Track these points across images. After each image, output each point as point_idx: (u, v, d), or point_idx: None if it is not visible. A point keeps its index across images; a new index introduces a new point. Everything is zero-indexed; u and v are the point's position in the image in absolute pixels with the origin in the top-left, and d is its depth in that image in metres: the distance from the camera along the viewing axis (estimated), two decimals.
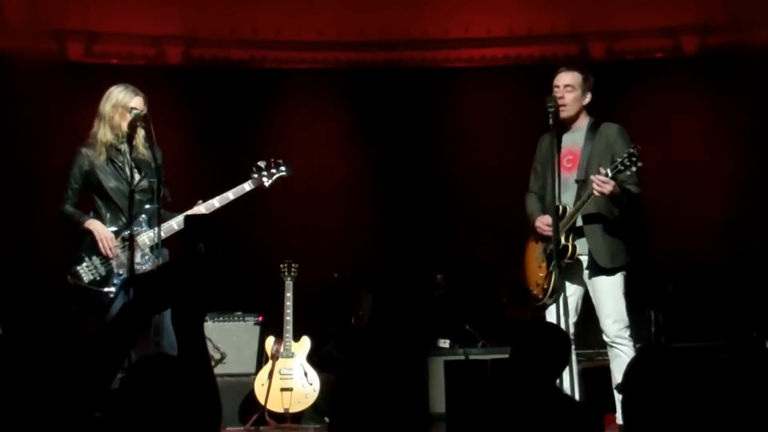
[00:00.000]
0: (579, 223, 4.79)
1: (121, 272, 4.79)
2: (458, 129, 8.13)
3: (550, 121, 4.72)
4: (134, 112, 4.82)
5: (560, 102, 4.81)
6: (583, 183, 4.79)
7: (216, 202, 4.98)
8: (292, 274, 6.19)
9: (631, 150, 4.53)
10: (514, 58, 8.48)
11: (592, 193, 4.61)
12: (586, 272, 4.82)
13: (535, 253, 4.99)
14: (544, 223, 4.85)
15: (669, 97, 7.96)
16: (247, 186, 5.08)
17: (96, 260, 4.78)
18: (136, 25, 7.99)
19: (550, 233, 4.77)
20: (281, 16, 8.25)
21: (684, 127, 7.84)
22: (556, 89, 4.84)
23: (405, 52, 8.46)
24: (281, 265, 6.21)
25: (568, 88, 4.83)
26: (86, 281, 4.76)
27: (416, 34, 8.41)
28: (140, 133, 4.87)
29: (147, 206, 4.80)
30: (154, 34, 8.10)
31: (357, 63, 8.40)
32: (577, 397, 4.32)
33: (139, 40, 8.07)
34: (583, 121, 4.90)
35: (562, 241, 4.73)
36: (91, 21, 7.89)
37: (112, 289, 4.76)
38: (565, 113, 4.82)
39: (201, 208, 4.97)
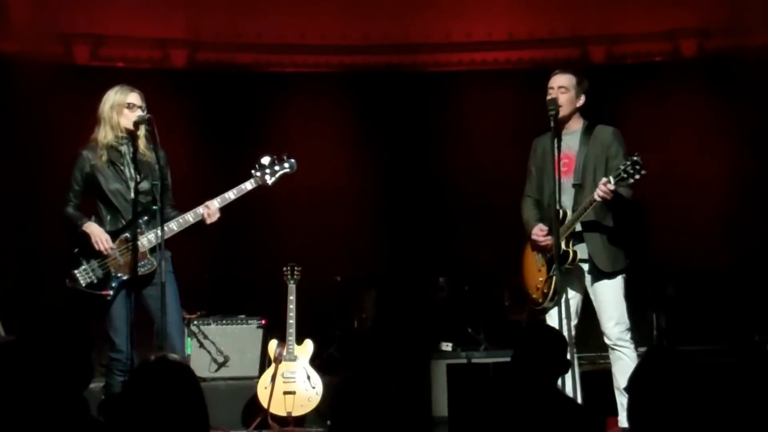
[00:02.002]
0: (578, 228, 4.81)
1: (119, 275, 4.78)
2: (460, 132, 8.15)
3: (552, 124, 4.73)
4: (138, 115, 4.83)
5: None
6: (579, 187, 4.81)
7: (216, 203, 4.95)
8: (295, 277, 6.20)
9: (635, 158, 4.53)
10: (514, 61, 8.51)
11: (595, 200, 4.63)
12: (587, 277, 4.85)
13: (533, 257, 5.00)
14: (539, 235, 4.88)
15: (668, 101, 7.99)
16: (249, 185, 5.01)
17: (94, 263, 4.77)
18: (142, 29, 8.03)
19: (546, 243, 4.82)
20: (285, 20, 8.28)
21: (684, 130, 7.86)
22: (550, 90, 4.87)
23: (407, 55, 8.50)
24: (284, 269, 6.22)
25: (562, 89, 4.86)
26: (83, 284, 4.75)
27: (418, 38, 8.45)
28: (142, 134, 4.88)
29: (154, 207, 4.74)
30: (159, 38, 8.14)
31: (360, 66, 8.44)
32: (578, 400, 4.34)
33: (144, 44, 8.10)
34: (578, 124, 4.93)
35: (563, 246, 4.75)
36: (97, 24, 7.92)
37: (110, 292, 4.74)
38: (558, 114, 4.84)
39: (199, 210, 4.94)
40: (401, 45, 8.42)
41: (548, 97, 4.83)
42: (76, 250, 4.80)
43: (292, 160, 5.14)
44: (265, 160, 5.06)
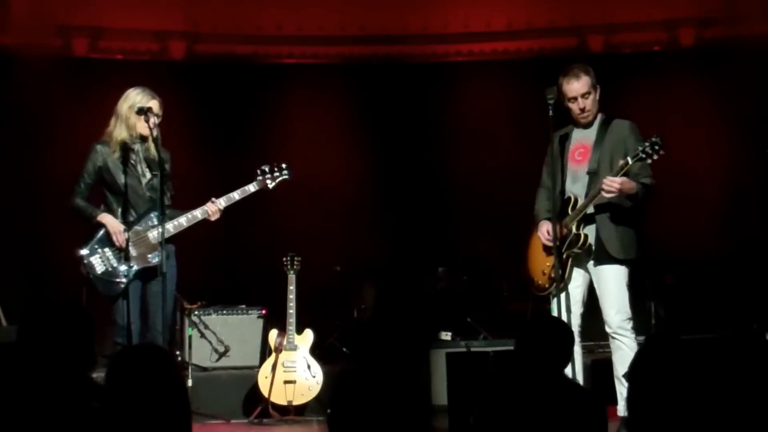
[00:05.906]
0: (590, 211, 4.79)
1: (132, 264, 4.98)
2: (458, 122, 8.16)
3: (550, 113, 4.72)
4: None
5: (583, 111, 4.83)
6: (594, 175, 4.81)
7: (222, 202, 5.17)
8: (295, 267, 6.22)
9: (654, 139, 4.54)
10: (513, 51, 8.52)
11: (600, 192, 4.66)
12: (592, 261, 4.84)
13: (541, 241, 5.00)
14: (545, 235, 4.90)
15: (666, 90, 8.00)
16: (252, 187, 5.30)
17: (108, 252, 4.98)
18: (141, 21, 8.04)
19: (550, 244, 4.85)
20: (283, 11, 8.30)
21: (681, 119, 7.87)
22: (573, 101, 4.82)
23: (405, 46, 8.51)
24: (284, 259, 6.24)
25: (586, 95, 4.83)
26: (99, 272, 4.97)
27: (416, 28, 8.46)
28: (153, 136, 5.02)
29: (166, 203, 4.98)
30: (158, 30, 8.16)
31: (358, 58, 8.45)
32: None
33: (143, 36, 8.12)
34: (595, 117, 4.95)
35: (574, 230, 4.77)
36: (96, 17, 7.93)
37: (123, 279, 4.96)
38: (589, 117, 4.85)
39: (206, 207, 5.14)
40: (400, 36, 8.43)
41: (575, 106, 4.82)
42: (91, 238, 4.98)
43: (290, 168, 5.44)
44: (266, 166, 5.36)
